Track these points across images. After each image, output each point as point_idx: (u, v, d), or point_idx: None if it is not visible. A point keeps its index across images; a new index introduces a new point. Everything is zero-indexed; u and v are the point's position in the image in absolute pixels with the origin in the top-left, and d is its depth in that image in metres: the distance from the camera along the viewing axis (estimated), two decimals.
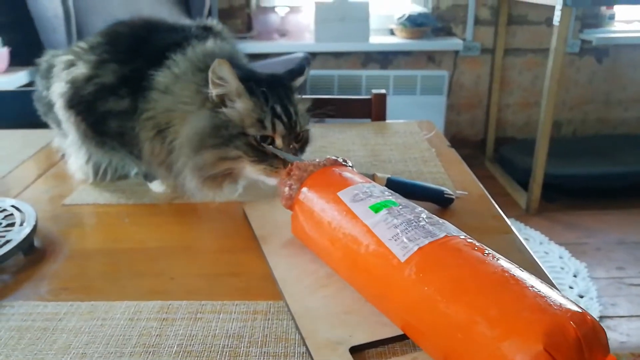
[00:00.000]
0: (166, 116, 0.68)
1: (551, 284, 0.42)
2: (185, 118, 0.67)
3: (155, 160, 0.70)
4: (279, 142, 0.67)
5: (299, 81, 0.74)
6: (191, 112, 0.67)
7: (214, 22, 0.83)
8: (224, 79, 0.65)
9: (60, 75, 0.75)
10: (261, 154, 0.66)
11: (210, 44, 0.74)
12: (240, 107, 0.66)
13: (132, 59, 0.72)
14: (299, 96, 0.72)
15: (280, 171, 0.66)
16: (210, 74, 0.64)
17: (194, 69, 0.69)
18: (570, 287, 1.90)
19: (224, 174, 0.67)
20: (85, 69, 0.73)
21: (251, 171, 0.67)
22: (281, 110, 0.67)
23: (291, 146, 0.68)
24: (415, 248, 0.44)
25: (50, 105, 0.79)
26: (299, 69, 0.73)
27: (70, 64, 0.75)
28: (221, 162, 0.66)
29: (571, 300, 0.38)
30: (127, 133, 0.71)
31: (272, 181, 0.67)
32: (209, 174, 0.66)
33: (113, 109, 0.71)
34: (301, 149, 0.71)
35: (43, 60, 0.84)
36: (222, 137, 0.65)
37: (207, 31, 0.79)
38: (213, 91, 0.66)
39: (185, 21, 0.81)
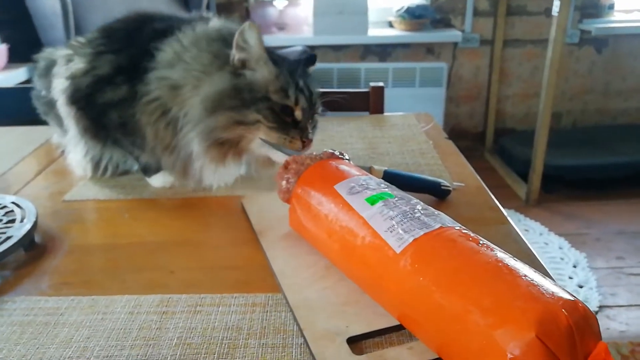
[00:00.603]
0: (173, 93, 0.67)
1: (545, 273, 0.43)
2: (198, 84, 0.66)
3: (161, 144, 0.70)
4: (298, 114, 0.67)
5: (311, 69, 0.75)
6: (207, 77, 0.66)
7: (210, 14, 0.83)
8: (249, 44, 0.65)
9: (60, 72, 0.76)
10: (280, 121, 0.66)
11: (216, 20, 0.74)
12: (264, 73, 0.66)
13: (128, 46, 0.72)
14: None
15: (296, 142, 0.66)
16: (237, 36, 0.64)
17: (207, 39, 0.69)
18: (570, 278, 1.91)
19: (232, 142, 0.67)
20: (82, 63, 0.73)
21: (260, 145, 0.67)
22: (303, 85, 0.68)
23: (309, 121, 0.69)
24: (411, 239, 0.44)
25: (50, 105, 0.79)
26: (311, 58, 0.74)
27: (69, 59, 0.75)
28: (235, 126, 0.66)
29: (563, 289, 0.38)
30: (128, 122, 0.71)
31: (279, 156, 0.67)
32: (219, 136, 0.66)
33: (112, 99, 0.71)
34: (312, 131, 0.71)
35: (40, 58, 0.84)
36: (242, 100, 0.65)
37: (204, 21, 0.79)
38: (236, 55, 0.65)
39: (182, 14, 0.82)
